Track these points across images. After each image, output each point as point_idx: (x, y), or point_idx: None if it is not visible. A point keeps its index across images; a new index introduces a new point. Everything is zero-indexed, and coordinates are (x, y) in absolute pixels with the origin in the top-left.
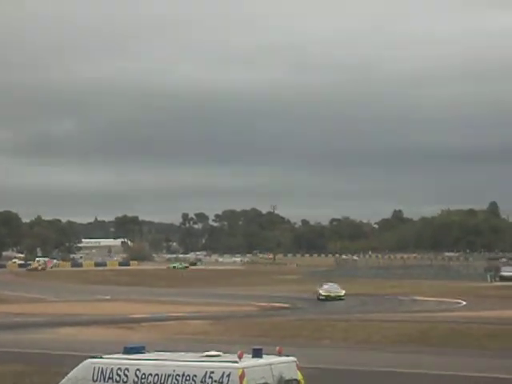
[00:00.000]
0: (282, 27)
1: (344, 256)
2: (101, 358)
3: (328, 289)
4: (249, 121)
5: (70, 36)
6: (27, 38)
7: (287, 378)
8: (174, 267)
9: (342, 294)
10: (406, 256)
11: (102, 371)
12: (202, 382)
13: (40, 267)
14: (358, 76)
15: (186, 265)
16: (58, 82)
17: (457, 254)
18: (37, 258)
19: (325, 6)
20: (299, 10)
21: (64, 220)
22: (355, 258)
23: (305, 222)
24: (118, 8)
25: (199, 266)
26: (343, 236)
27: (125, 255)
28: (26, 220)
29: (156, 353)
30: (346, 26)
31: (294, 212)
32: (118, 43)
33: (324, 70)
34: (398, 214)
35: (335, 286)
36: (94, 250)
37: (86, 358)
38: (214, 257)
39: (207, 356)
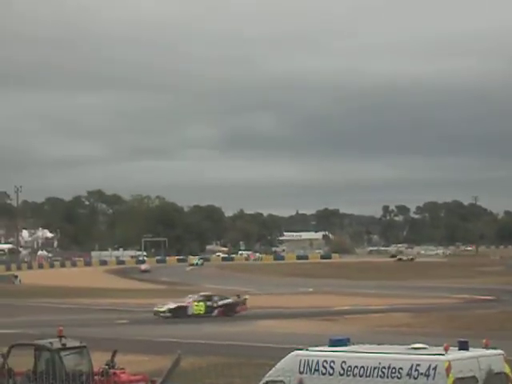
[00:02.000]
0: None
1: None
2: (307, 350)
3: None
4: (444, 111)
5: (268, 29)
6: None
7: (496, 371)
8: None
9: None
10: None
11: (308, 363)
12: (407, 374)
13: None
14: None
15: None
16: (261, 76)
17: None
18: (239, 252)
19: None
20: None
21: (266, 213)
22: None
23: (508, 213)
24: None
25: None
26: None
27: (326, 248)
28: (228, 214)
29: (361, 345)
30: None
31: (496, 203)
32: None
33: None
34: None
35: None
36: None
37: (291, 350)
38: (416, 249)
39: (413, 348)
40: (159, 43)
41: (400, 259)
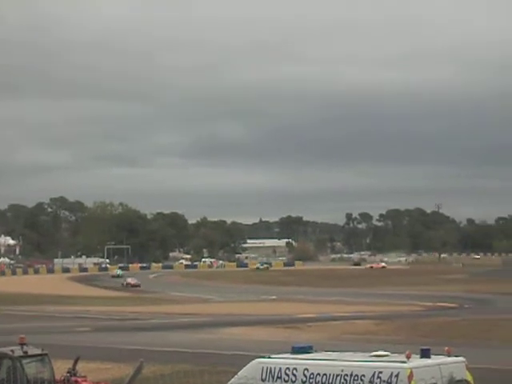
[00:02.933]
0: None
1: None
2: (269, 357)
3: None
4: (409, 121)
5: (241, 39)
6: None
7: (457, 378)
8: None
9: None
10: None
11: (271, 371)
12: (370, 381)
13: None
14: None
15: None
16: (229, 84)
17: None
18: (203, 259)
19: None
20: None
21: (229, 221)
22: None
23: (470, 221)
24: (284, 12)
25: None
26: (510, 235)
27: (289, 255)
28: (192, 221)
29: (324, 353)
30: None
31: (459, 211)
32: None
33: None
34: None
35: None
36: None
37: (253, 357)
38: (379, 256)
39: (375, 356)
40: (129, 51)
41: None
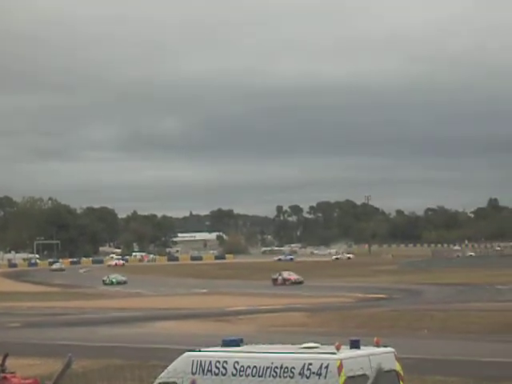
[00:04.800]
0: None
1: (440, 245)
2: (199, 351)
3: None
4: (347, 114)
5: (174, 32)
6: (135, 34)
7: (386, 368)
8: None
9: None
10: (502, 245)
11: (201, 364)
12: (300, 373)
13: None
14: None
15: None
16: (164, 78)
17: None
18: (133, 253)
19: None
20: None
21: (159, 215)
22: (457, 247)
23: (399, 212)
24: (217, 2)
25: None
26: (438, 225)
27: (220, 249)
28: (122, 215)
29: (254, 345)
30: None
31: (388, 202)
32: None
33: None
34: (493, 203)
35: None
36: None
37: (184, 351)
38: (309, 249)
39: (305, 348)
40: (63, 42)
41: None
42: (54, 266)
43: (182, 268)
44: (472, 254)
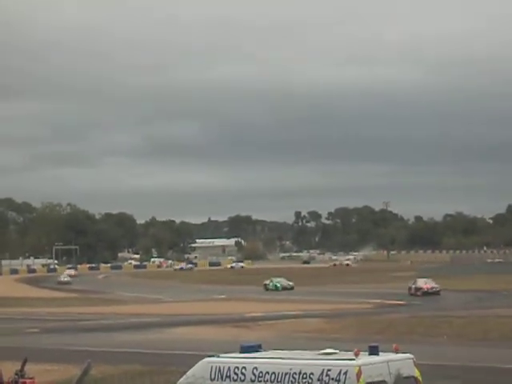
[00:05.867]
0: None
1: (459, 252)
2: (218, 357)
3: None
4: (365, 120)
5: (190, 37)
6: (151, 38)
7: (405, 375)
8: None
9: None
10: None
11: (220, 370)
12: (318, 379)
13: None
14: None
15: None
16: (182, 84)
17: None
18: (152, 259)
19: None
20: None
21: (178, 221)
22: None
23: (418, 218)
24: (241, 10)
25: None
26: (457, 231)
27: (239, 255)
28: (140, 221)
29: (273, 351)
30: None
31: (407, 208)
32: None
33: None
34: None
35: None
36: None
37: (203, 357)
38: (328, 255)
39: (324, 354)
40: (81, 48)
41: (335, 265)
42: (62, 278)
43: (200, 274)
44: (500, 260)
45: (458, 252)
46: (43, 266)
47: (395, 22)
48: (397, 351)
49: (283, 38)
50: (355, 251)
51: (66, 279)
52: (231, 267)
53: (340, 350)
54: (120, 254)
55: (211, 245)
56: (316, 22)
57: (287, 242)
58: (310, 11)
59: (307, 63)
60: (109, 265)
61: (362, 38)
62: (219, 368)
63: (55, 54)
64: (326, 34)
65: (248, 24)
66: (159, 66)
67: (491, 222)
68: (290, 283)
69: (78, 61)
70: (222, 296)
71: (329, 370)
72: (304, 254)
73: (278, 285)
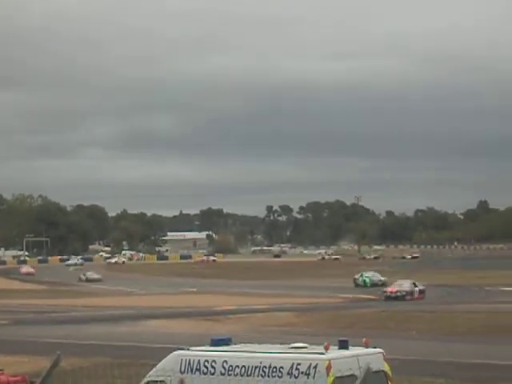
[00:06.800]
0: None
1: (429, 247)
2: (188, 350)
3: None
4: (337, 115)
5: (174, 31)
6: (134, 31)
7: (374, 369)
8: None
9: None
10: (492, 247)
11: (190, 363)
12: (288, 373)
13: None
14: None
15: None
16: (160, 76)
17: None
18: (123, 252)
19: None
20: None
21: (149, 213)
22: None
23: (389, 213)
24: (229, 3)
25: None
26: (428, 227)
27: (210, 248)
28: (112, 214)
29: (243, 344)
30: None
31: (378, 203)
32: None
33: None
34: (483, 205)
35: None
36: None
37: (173, 350)
38: (299, 249)
39: (294, 348)
40: (62, 40)
41: (323, 258)
42: (89, 276)
43: (171, 267)
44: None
45: (428, 247)
46: (14, 257)
47: (382, 17)
48: (367, 345)
49: (271, 32)
50: (334, 245)
51: (94, 276)
52: (202, 261)
53: (310, 344)
54: (91, 247)
55: (183, 238)
56: (303, 17)
57: (258, 236)
58: (298, 6)
59: (294, 57)
60: (80, 257)
61: (348, 33)
62: (189, 361)
63: (36, 41)
64: (313, 28)
65: (236, 17)
66: (142, 58)
67: (462, 217)
68: None
69: (61, 53)
70: (193, 289)
71: (298, 364)
72: (275, 248)
73: None
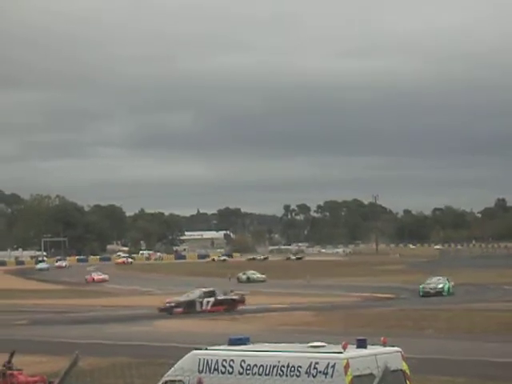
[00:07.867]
0: None
1: (447, 246)
2: (206, 349)
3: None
4: (355, 113)
5: (187, 28)
6: (148, 30)
7: (392, 368)
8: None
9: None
10: (510, 245)
11: (208, 363)
12: (306, 372)
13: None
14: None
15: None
16: (173, 75)
17: None
18: (140, 251)
19: None
20: None
21: (167, 213)
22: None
23: (407, 212)
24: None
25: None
26: (446, 225)
27: (227, 247)
28: (129, 213)
29: (261, 344)
30: None
31: (396, 202)
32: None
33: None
34: (501, 203)
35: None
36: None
37: (190, 349)
38: (317, 248)
39: (312, 347)
40: (76, 38)
41: (288, 258)
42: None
43: (189, 266)
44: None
45: (446, 246)
46: (32, 257)
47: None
48: (385, 344)
49: (281, 29)
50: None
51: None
52: (213, 259)
53: (328, 343)
54: (109, 247)
55: (200, 237)
56: (317, 14)
57: (276, 235)
58: (312, 3)
59: (307, 55)
60: (98, 257)
61: (361, 31)
62: (207, 361)
63: (49, 42)
64: (327, 25)
65: (246, 15)
66: (155, 56)
67: (480, 215)
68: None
69: (75, 50)
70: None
71: (316, 363)
72: (293, 247)
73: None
